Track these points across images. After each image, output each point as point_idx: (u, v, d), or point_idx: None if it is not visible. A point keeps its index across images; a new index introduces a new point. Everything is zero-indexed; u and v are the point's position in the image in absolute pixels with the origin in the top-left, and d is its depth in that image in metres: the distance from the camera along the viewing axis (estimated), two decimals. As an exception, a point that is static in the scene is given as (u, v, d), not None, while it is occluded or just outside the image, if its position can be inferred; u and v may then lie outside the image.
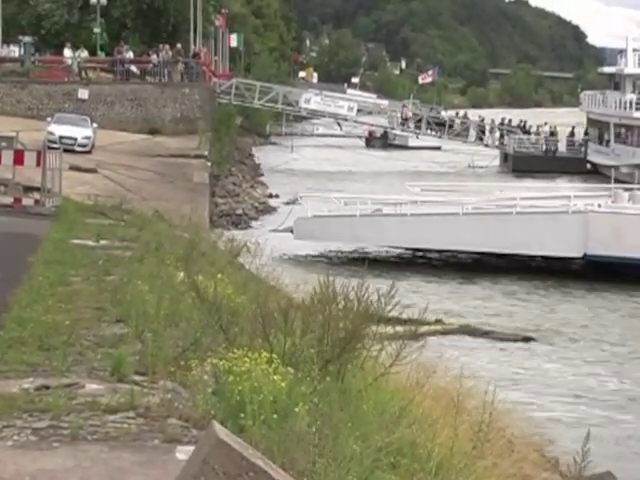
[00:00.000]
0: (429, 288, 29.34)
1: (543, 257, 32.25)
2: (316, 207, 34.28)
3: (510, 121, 70.77)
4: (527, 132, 68.67)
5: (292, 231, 33.46)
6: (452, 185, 40.34)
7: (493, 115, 78.81)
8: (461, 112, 78.97)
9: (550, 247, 31.42)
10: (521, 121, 70.56)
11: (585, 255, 31.28)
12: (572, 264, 31.88)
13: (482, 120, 71.35)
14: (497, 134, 68.55)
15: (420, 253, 34.22)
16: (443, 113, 76.59)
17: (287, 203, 35.06)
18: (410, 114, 69.79)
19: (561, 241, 31.16)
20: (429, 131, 67.78)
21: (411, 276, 30.61)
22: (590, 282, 30.26)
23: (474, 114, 76.43)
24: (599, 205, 31.94)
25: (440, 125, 67.35)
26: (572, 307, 28.05)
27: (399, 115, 69.88)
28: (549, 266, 31.93)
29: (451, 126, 67.41)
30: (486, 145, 68.19)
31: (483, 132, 68.78)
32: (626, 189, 33.68)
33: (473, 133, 68.35)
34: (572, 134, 69.59)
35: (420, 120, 67.63)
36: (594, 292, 29.55)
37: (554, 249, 31.45)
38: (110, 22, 56.72)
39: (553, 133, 68.34)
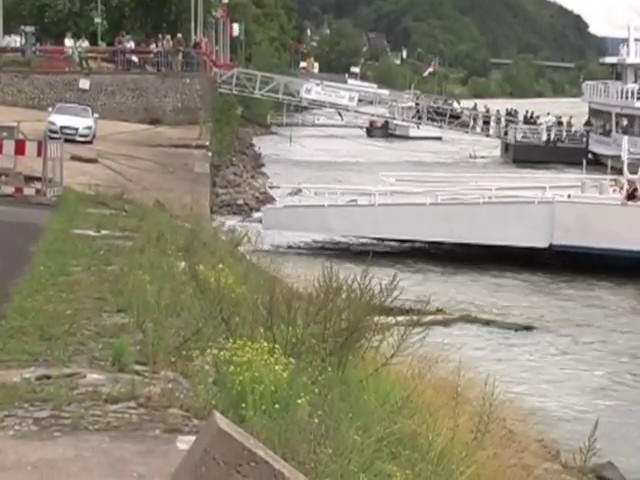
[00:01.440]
0: (413, 279, 29.09)
1: (509, 247, 31.50)
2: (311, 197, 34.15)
3: (516, 112, 70.50)
4: (534, 122, 68.36)
5: (261, 221, 33.21)
6: (428, 175, 39.84)
7: (496, 105, 78.55)
8: (467, 103, 78.46)
9: (516, 237, 30.97)
10: (527, 111, 70.31)
11: (551, 245, 31.01)
12: (538, 254, 31.31)
13: (487, 110, 71.07)
14: (502, 124, 68.14)
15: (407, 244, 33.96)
16: (455, 105, 76.14)
17: (293, 194, 34.80)
18: (425, 105, 69.22)
19: (527, 231, 30.80)
20: (430, 121, 67.54)
21: (406, 267, 30.41)
22: (562, 272, 29.94)
23: (479, 104, 76.07)
24: (569, 195, 31.68)
25: (440, 115, 67.07)
26: (563, 297, 27.97)
27: (413, 105, 69.45)
28: (515, 256, 31.22)
29: (458, 117, 67.02)
30: (487, 135, 67.96)
31: (486, 122, 68.48)
32: (595, 179, 33.43)
33: (478, 123, 68.05)
34: (588, 123, 69.22)
35: (433, 111, 67.25)
36: (575, 283, 29.36)
37: (520, 239, 31.00)
38: (110, 11, 56.61)
39: (561, 123, 68.03)
